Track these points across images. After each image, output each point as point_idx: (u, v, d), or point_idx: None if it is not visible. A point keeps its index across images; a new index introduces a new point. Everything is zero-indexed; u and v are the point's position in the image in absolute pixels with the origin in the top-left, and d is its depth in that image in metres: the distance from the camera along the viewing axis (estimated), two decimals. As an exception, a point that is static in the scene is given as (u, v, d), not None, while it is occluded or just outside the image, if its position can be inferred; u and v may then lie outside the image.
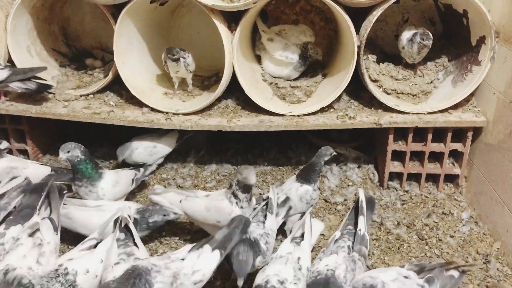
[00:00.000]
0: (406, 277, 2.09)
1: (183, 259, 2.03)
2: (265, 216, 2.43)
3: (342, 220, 2.90)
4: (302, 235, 2.42)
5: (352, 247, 2.25)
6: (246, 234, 2.20)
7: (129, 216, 2.40)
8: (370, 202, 2.54)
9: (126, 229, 2.34)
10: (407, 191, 3.11)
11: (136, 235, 2.33)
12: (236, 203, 2.43)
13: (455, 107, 2.93)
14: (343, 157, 3.39)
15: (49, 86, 3.10)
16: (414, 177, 3.15)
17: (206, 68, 3.58)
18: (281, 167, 3.38)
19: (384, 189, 3.13)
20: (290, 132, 3.03)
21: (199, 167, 3.37)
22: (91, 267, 2.18)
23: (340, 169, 3.30)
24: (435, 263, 2.13)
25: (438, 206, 2.98)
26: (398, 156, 3.10)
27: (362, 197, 2.43)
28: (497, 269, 2.51)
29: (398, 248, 2.68)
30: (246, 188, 2.40)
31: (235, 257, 2.13)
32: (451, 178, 3.11)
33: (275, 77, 3.25)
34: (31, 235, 2.31)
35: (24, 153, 3.34)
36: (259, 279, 2.13)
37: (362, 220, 2.34)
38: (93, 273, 2.18)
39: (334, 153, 2.66)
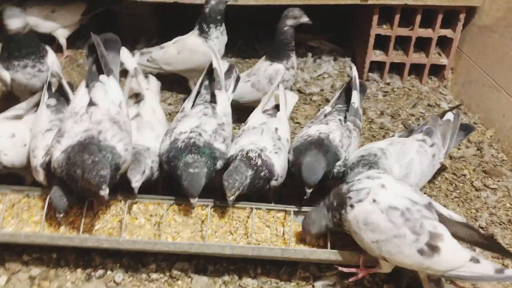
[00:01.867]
0: (401, 138, 1.86)
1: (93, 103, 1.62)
2: (212, 95, 1.94)
3: (318, 110, 2.54)
4: (274, 107, 2.04)
5: (345, 120, 1.90)
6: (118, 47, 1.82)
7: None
8: (362, 85, 2.17)
9: (59, 94, 1.88)
10: (388, 83, 2.78)
11: (71, 95, 1.87)
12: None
13: (447, -14, 2.59)
14: (318, 50, 3.00)
15: None
16: (396, 70, 2.82)
17: None
18: (247, 59, 2.95)
19: (363, 81, 2.78)
20: (256, 21, 2.60)
21: (150, 55, 2.86)
22: (18, 133, 1.70)
23: (314, 62, 2.91)
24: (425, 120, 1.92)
25: (423, 98, 2.68)
26: (380, 44, 2.74)
27: (355, 73, 2.05)
28: (492, 155, 2.26)
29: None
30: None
31: (183, 171, 1.60)
32: (435, 71, 2.81)
33: None
34: None
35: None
36: (231, 151, 1.73)
37: (356, 95, 1.98)
38: (21, 140, 1.71)
39: (304, 18, 2.19)
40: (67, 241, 1.54)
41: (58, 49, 2.78)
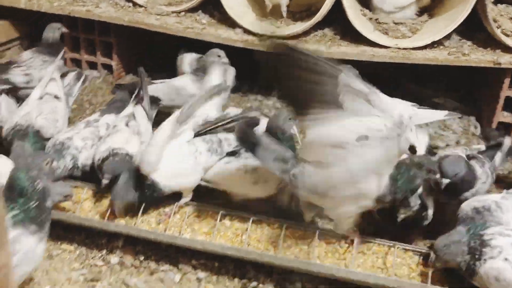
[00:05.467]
0: None
1: None
2: None
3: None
4: None
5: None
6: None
7: None
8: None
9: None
10: (515, 145, 2.82)
11: None
12: None
13: None
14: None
15: None
16: (523, 132, 2.87)
17: (296, 3, 3.39)
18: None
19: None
20: (383, 75, 2.81)
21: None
22: None
23: (438, 119, 3.04)
24: None
25: (552, 162, 2.69)
26: (508, 106, 2.82)
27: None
28: None
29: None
30: None
31: None
32: None
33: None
34: (127, 124, 2.20)
35: (108, 68, 3.23)
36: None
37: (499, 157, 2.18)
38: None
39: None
40: (234, 252, 1.82)
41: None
